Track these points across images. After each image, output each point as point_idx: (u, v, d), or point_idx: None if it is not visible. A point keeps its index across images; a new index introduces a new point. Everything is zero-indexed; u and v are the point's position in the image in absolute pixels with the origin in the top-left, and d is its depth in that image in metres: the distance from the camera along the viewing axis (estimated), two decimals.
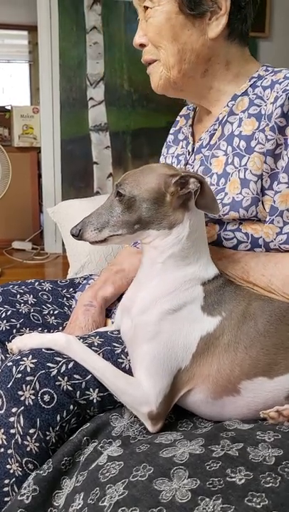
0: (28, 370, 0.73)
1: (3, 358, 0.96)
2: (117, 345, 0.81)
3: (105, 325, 0.98)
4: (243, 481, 0.54)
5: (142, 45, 0.93)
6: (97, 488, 0.60)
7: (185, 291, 0.73)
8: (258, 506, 0.50)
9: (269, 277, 0.80)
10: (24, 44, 6.21)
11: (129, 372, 0.76)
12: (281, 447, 0.60)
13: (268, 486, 0.53)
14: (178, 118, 1.11)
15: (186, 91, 0.95)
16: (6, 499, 0.72)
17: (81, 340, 0.79)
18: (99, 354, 0.77)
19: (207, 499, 0.52)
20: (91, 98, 3.38)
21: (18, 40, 6.22)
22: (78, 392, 0.74)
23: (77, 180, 3.46)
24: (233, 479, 0.54)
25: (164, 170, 0.73)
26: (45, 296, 1.09)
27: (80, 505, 0.60)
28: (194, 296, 0.73)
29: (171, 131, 1.11)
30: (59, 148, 3.40)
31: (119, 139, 3.46)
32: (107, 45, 3.37)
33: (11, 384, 0.73)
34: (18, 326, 1.01)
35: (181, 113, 1.12)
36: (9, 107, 4.08)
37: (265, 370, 0.72)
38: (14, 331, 0.99)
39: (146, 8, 0.89)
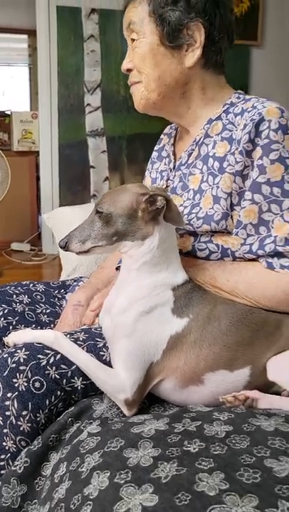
0: (22, 360, 0.84)
1: (0, 351, 1.08)
2: (99, 340, 0.92)
3: (92, 323, 1.09)
4: (196, 449, 0.66)
5: (129, 70, 1.05)
6: (78, 458, 0.71)
7: (157, 295, 0.85)
8: (205, 468, 0.62)
9: (233, 283, 0.91)
10: (24, 47, 6.28)
11: (109, 364, 0.87)
12: (232, 424, 0.71)
13: (216, 453, 0.65)
14: (162, 136, 1.22)
15: (165, 110, 1.07)
16: (1, 472, 0.83)
17: (68, 335, 0.91)
18: (83, 348, 0.89)
19: (165, 463, 0.64)
20: (88, 104, 3.47)
21: (18, 44, 6.29)
22: (65, 380, 0.86)
23: (75, 184, 3.53)
24: (189, 448, 0.66)
25: (136, 189, 0.84)
26: (38, 297, 1.21)
27: (64, 472, 0.72)
28: (165, 300, 0.85)
29: (156, 147, 1.22)
30: (57, 153, 3.47)
31: (115, 144, 3.54)
32: (104, 53, 3.46)
33: (6, 373, 0.84)
34: (14, 323, 1.12)
35: (164, 131, 1.23)
36: (9, 112, 4.18)
37: (227, 364, 0.84)
38: (10, 327, 1.11)
39: (133, 39, 1.01)
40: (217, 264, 0.95)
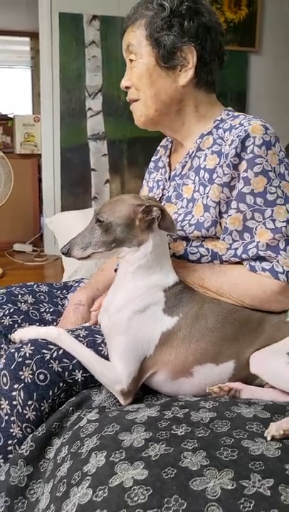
0: (27, 355, 0.93)
1: (6, 348, 1.16)
2: (98, 336, 1.01)
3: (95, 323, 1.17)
4: (182, 433, 0.74)
5: (127, 87, 1.14)
6: (78, 441, 0.80)
7: (150, 295, 0.93)
8: (190, 448, 0.70)
9: (219, 283, 1.00)
10: (26, 50, 6.36)
11: (107, 358, 0.96)
12: (216, 411, 0.80)
13: (200, 435, 0.73)
14: (158, 148, 1.31)
15: (162, 125, 1.16)
16: (9, 456, 0.92)
17: (70, 332, 1.00)
18: (83, 343, 0.97)
19: (155, 444, 0.72)
20: (89, 108, 3.55)
21: (21, 46, 6.36)
22: (66, 372, 0.94)
23: (76, 186, 3.60)
24: (176, 432, 0.75)
25: (133, 201, 0.93)
26: (42, 297, 1.29)
27: (65, 454, 0.80)
28: (157, 300, 0.93)
29: (153, 158, 1.31)
30: (59, 156, 3.54)
31: (116, 147, 3.62)
32: (105, 58, 3.54)
33: (13, 366, 0.93)
34: (19, 321, 1.21)
35: (161, 144, 1.32)
36: (12, 116, 4.27)
37: (213, 358, 0.92)
38: (16, 325, 1.19)
39: (131, 60, 1.10)
40: (205, 266, 1.04)
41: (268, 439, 0.72)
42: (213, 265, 1.04)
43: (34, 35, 4.80)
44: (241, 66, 3.73)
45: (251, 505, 0.59)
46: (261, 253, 0.96)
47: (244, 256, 0.98)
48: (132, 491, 0.64)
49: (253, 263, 0.98)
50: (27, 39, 6.10)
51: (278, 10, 3.73)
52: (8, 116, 4.45)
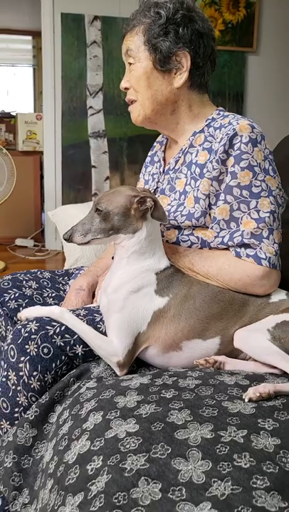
0: (33, 331, 1.03)
1: (12, 329, 1.26)
2: (97, 315, 1.10)
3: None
4: (170, 396, 0.84)
5: (126, 88, 1.23)
6: (78, 405, 0.90)
7: (143, 278, 1.03)
8: (176, 407, 0.80)
9: (207, 267, 1.10)
10: (28, 49, 6.43)
11: (105, 334, 1.05)
12: (201, 379, 0.90)
13: (186, 398, 0.83)
14: (155, 143, 1.41)
15: (158, 124, 1.25)
16: (16, 422, 1.02)
17: (71, 311, 1.09)
18: (83, 321, 1.07)
19: (146, 405, 0.82)
20: (90, 107, 3.64)
21: (23, 45, 6.43)
22: (68, 347, 1.04)
23: (77, 183, 3.68)
24: (165, 395, 0.84)
25: (129, 192, 1.02)
26: (45, 283, 1.39)
27: (67, 416, 0.90)
28: (149, 282, 1.03)
29: (149, 153, 1.40)
30: (60, 153, 3.62)
31: (116, 145, 3.71)
32: (106, 58, 3.62)
33: (20, 340, 1.02)
34: (23, 305, 1.30)
35: (157, 139, 1.41)
36: (14, 114, 4.36)
37: (200, 334, 1.02)
38: (21, 308, 1.28)
39: (130, 63, 1.20)
40: (195, 251, 1.13)
41: (246, 400, 0.81)
42: (202, 250, 1.13)
43: (37, 34, 4.87)
44: (239, 66, 3.81)
45: (226, 449, 0.69)
46: (246, 240, 1.06)
47: (230, 243, 1.08)
48: (125, 441, 0.74)
49: (238, 249, 1.08)
50: (29, 38, 6.17)
51: (276, 11, 3.82)
52: (11, 114, 4.54)
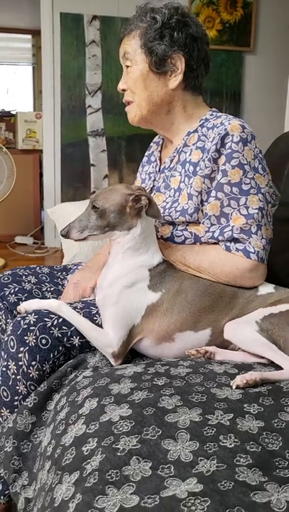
0: (32, 322, 1.07)
1: (11, 322, 1.30)
2: (93, 308, 1.15)
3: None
4: (162, 383, 0.89)
5: (124, 90, 1.28)
6: (75, 392, 0.94)
7: (136, 274, 1.07)
8: (167, 394, 0.84)
9: (199, 261, 1.14)
10: (28, 47, 6.46)
11: (100, 326, 1.10)
12: (192, 368, 0.94)
13: (176, 385, 0.88)
14: (152, 144, 1.45)
15: (154, 124, 1.30)
16: (15, 410, 1.06)
17: (69, 304, 1.14)
18: (80, 314, 1.11)
19: (139, 391, 0.86)
20: (89, 106, 3.67)
21: (23, 44, 6.46)
22: (65, 338, 1.09)
23: (76, 181, 3.72)
24: (157, 383, 0.89)
25: (125, 190, 1.07)
26: (44, 278, 1.43)
27: (64, 403, 0.95)
28: (143, 278, 1.07)
29: (146, 153, 1.45)
30: (59, 151, 3.66)
31: (114, 144, 3.74)
32: (105, 57, 3.66)
33: (19, 332, 1.07)
34: (23, 299, 1.34)
35: (154, 140, 1.46)
36: (14, 112, 4.40)
37: (192, 326, 1.07)
38: (20, 302, 1.33)
39: (127, 66, 1.25)
40: (187, 247, 1.18)
41: (234, 387, 0.86)
42: (194, 246, 1.18)
43: (36, 33, 4.90)
44: (237, 65, 3.85)
45: (213, 431, 0.74)
46: (235, 235, 1.10)
47: (220, 238, 1.13)
48: (118, 424, 0.78)
49: (228, 244, 1.12)
50: (29, 36, 6.20)
51: (273, 11, 3.85)
52: (11, 112, 4.57)
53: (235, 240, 1.11)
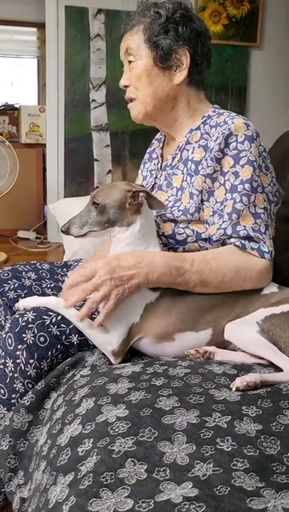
0: (30, 320, 1.06)
1: (10, 318, 1.29)
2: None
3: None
4: (160, 383, 0.87)
5: (126, 86, 1.26)
6: (72, 391, 0.93)
7: None
8: (165, 394, 0.83)
9: (221, 277, 1.05)
10: (33, 40, 6.43)
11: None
12: (191, 368, 0.93)
13: (174, 386, 0.86)
14: (153, 141, 1.44)
15: (158, 121, 1.28)
16: (12, 408, 1.05)
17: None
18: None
19: (136, 391, 0.85)
20: (93, 100, 3.65)
21: (27, 37, 6.43)
22: (64, 336, 1.08)
23: (79, 176, 3.70)
24: (155, 383, 0.88)
25: (124, 187, 1.06)
26: (44, 274, 1.42)
27: (61, 402, 0.94)
28: None
29: (148, 150, 1.43)
30: (63, 146, 3.63)
31: (118, 139, 3.72)
32: (109, 51, 3.62)
33: (17, 329, 1.06)
34: (22, 295, 1.33)
35: (156, 137, 1.44)
36: (18, 106, 4.37)
37: (192, 326, 1.05)
38: (20, 299, 1.32)
39: (130, 61, 1.23)
40: (197, 263, 1.07)
41: (233, 389, 0.85)
42: (206, 262, 1.08)
43: (41, 26, 4.86)
44: (243, 61, 3.81)
45: (210, 434, 0.73)
46: (251, 234, 1.08)
47: (234, 235, 1.09)
48: (114, 425, 0.77)
49: (243, 241, 1.09)
50: (34, 29, 6.17)
51: (279, 6, 3.81)
52: (14, 106, 4.55)
53: (250, 239, 1.09)
